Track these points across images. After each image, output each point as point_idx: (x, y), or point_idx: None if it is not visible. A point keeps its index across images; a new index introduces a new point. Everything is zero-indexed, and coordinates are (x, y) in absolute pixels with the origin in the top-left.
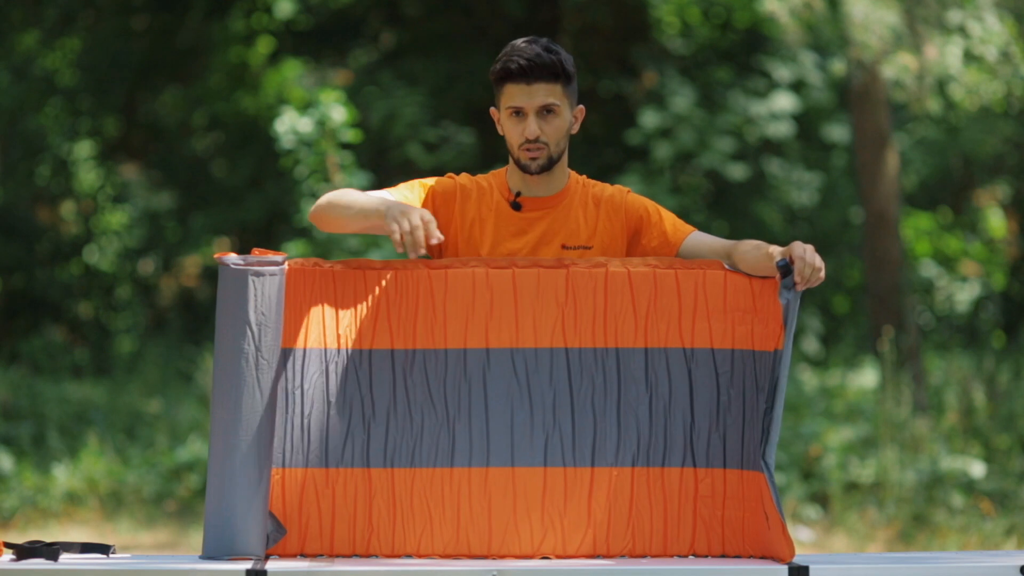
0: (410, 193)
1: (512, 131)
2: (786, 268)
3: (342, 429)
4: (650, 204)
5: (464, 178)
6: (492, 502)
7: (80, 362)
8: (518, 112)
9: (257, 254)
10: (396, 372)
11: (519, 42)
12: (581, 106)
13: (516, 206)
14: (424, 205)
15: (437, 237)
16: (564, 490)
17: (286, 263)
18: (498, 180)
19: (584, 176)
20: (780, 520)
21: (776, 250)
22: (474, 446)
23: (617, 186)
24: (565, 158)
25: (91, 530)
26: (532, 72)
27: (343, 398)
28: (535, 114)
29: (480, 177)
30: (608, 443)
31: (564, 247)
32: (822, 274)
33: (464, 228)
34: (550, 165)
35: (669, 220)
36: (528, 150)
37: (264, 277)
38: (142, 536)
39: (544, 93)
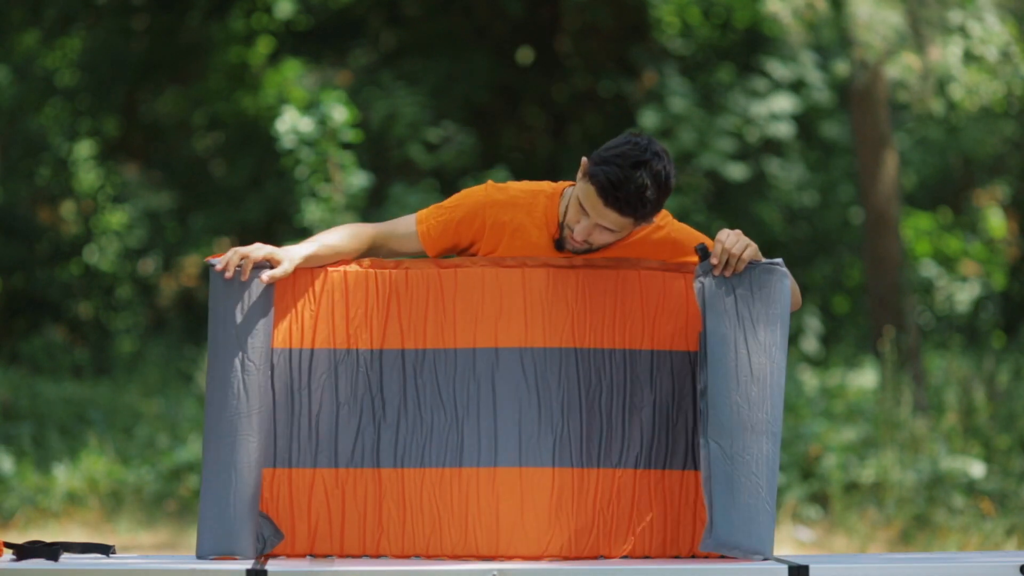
0: (434, 230)
1: (571, 213)
2: (704, 252)
3: (352, 429)
4: (692, 239)
5: (499, 200)
6: (500, 502)
7: (80, 362)
8: (584, 211)
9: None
10: (407, 372)
11: (632, 159)
12: (663, 211)
13: (560, 246)
14: (444, 239)
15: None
16: (572, 491)
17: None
18: (550, 206)
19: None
20: (706, 509)
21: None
22: (482, 446)
23: (664, 228)
24: None
25: (91, 530)
26: (611, 199)
27: (353, 398)
28: (594, 224)
29: (527, 194)
30: (614, 444)
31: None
32: (747, 255)
33: (499, 250)
34: (588, 253)
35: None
36: (573, 239)
37: (253, 280)
38: (142, 536)
39: (611, 220)
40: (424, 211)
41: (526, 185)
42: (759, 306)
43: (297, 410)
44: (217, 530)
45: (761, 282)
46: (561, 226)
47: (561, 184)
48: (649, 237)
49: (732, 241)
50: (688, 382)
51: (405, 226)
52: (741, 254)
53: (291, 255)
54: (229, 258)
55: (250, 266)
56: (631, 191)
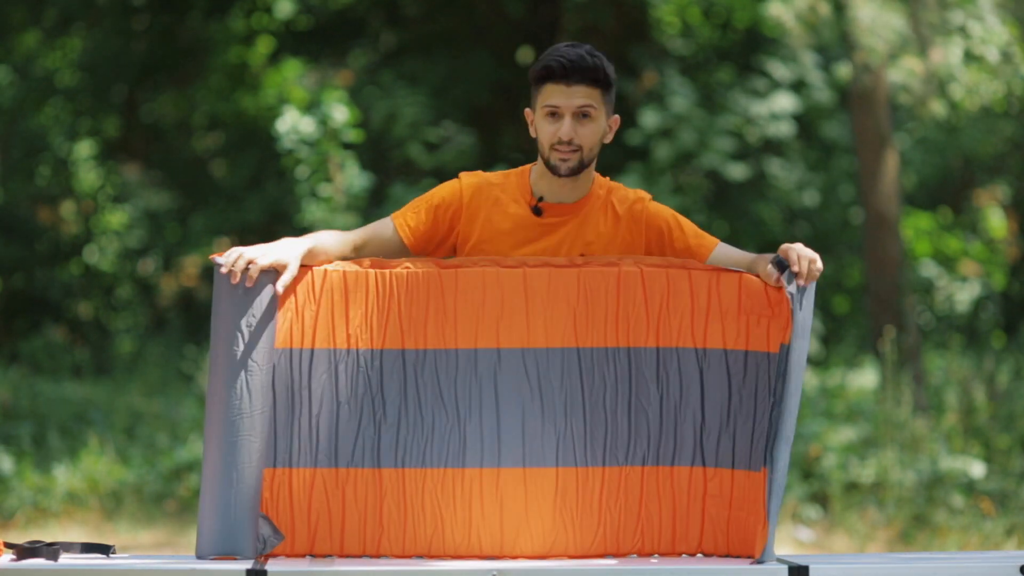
0: (411, 219)
1: (546, 131)
2: (781, 264)
3: (352, 429)
4: (670, 215)
5: (473, 182)
6: (504, 502)
7: (80, 362)
8: (554, 113)
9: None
10: (407, 372)
11: (561, 45)
12: (617, 116)
13: (537, 211)
14: (422, 222)
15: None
16: (576, 489)
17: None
18: (521, 181)
19: (608, 179)
20: (764, 516)
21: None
22: (485, 446)
23: (638, 194)
24: (593, 164)
25: (91, 530)
26: (573, 73)
27: (353, 398)
28: (571, 116)
29: (499, 176)
30: (619, 442)
31: (583, 256)
32: (819, 264)
33: (474, 234)
34: (580, 169)
35: (692, 232)
36: (560, 151)
37: (258, 281)
38: (142, 536)
39: (583, 96)
40: (398, 214)
41: (495, 172)
42: (808, 318)
43: (297, 410)
44: (217, 530)
45: (808, 294)
46: (536, 198)
47: (526, 165)
48: (632, 209)
49: (805, 251)
50: (695, 379)
51: (383, 225)
52: (815, 263)
53: (293, 254)
54: (235, 261)
55: (258, 272)
56: (583, 58)
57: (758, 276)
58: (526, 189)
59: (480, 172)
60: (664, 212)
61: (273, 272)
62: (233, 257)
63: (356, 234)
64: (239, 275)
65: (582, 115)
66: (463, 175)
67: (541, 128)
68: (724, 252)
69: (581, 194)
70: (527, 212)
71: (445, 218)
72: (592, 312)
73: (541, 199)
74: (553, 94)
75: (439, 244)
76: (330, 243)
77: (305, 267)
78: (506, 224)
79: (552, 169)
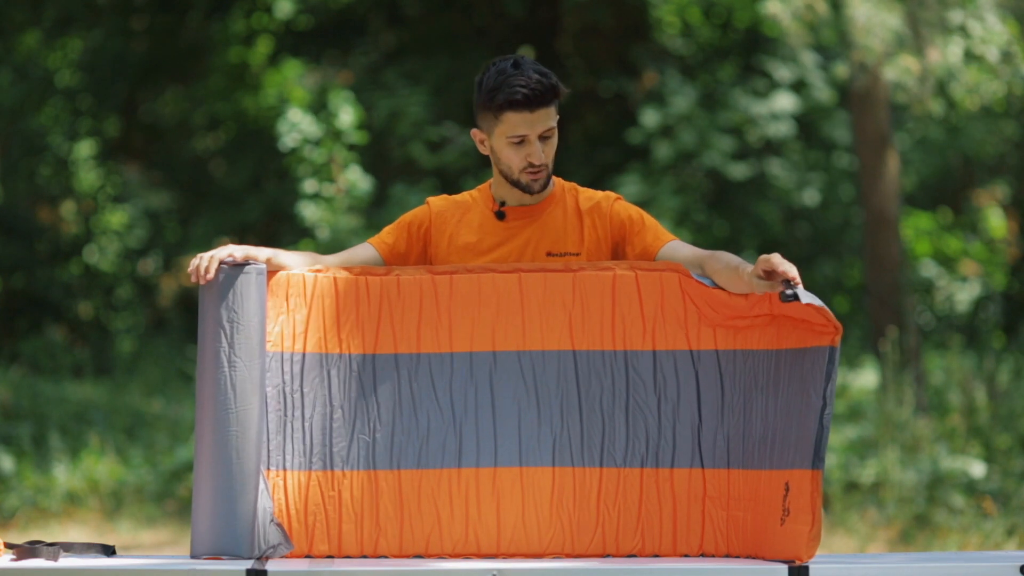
0: (387, 237)
1: (514, 157)
2: (792, 296)
3: (346, 432)
4: (635, 212)
5: (440, 201)
6: (501, 501)
7: (80, 362)
8: (521, 141)
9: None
10: (400, 376)
11: (509, 68)
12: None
13: (500, 215)
14: (399, 240)
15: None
16: (573, 490)
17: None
18: (483, 194)
19: (574, 183)
20: (813, 519)
21: (747, 269)
22: (482, 447)
23: (606, 192)
24: None
25: (91, 530)
26: (536, 100)
27: (347, 402)
28: (538, 139)
29: (463, 195)
30: (617, 444)
31: (549, 254)
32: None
33: (443, 246)
34: (548, 182)
35: (651, 230)
36: (532, 173)
37: (238, 277)
38: (143, 536)
39: (544, 118)
40: (376, 236)
41: (460, 193)
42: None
43: (290, 413)
44: (210, 529)
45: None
46: (499, 203)
47: (487, 181)
48: (598, 206)
49: (781, 263)
50: (691, 381)
51: (360, 247)
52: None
53: (261, 250)
54: (198, 264)
55: (216, 264)
56: (541, 83)
57: (710, 278)
58: (488, 198)
59: (446, 195)
60: (630, 209)
61: (254, 269)
62: (196, 261)
63: (331, 256)
64: (202, 272)
65: (545, 136)
66: (430, 199)
67: (505, 154)
68: (675, 249)
69: (542, 196)
70: (491, 218)
71: (419, 235)
72: (587, 316)
73: (503, 203)
74: (518, 124)
75: (415, 262)
76: (298, 258)
77: (299, 274)
78: (472, 236)
79: (524, 189)
